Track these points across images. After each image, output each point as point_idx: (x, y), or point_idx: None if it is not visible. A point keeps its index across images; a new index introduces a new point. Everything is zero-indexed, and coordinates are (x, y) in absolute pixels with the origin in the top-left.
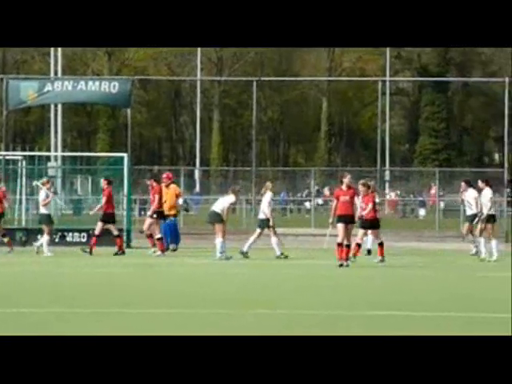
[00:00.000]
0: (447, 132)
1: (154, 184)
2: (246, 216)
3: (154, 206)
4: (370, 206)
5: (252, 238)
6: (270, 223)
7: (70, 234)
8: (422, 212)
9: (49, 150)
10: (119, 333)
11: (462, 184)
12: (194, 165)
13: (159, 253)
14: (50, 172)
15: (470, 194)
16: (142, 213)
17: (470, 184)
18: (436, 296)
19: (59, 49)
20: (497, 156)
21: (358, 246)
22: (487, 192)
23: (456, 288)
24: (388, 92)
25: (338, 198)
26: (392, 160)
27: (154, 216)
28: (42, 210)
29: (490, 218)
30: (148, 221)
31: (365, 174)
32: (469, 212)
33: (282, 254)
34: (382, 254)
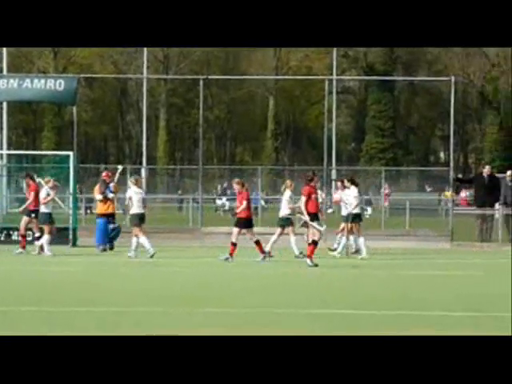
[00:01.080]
0: (393, 131)
1: (31, 182)
2: (193, 215)
3: (29, 204)
4: (245, 203)
5: (274, 237)
6: (291, 222)
7: (16, 232)
8: (368, 211)
9: None
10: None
11: (339, 183)
12: (141, 163)
13: (19, 250)
14: None
15: (350, 193)
16: (88, 211)
17: (354, 182)
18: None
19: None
20: (442, 154)
21: (234, 245)
22: (353, 191)
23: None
24: (335, 91)
25: (310, 196)
26: (339, 159)
27: (32, 215)
28: (43, 209)
29: (356, 217)
30: (24, 220)
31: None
32: (345, 212)
33: (301, 253)
34: (261, 251)
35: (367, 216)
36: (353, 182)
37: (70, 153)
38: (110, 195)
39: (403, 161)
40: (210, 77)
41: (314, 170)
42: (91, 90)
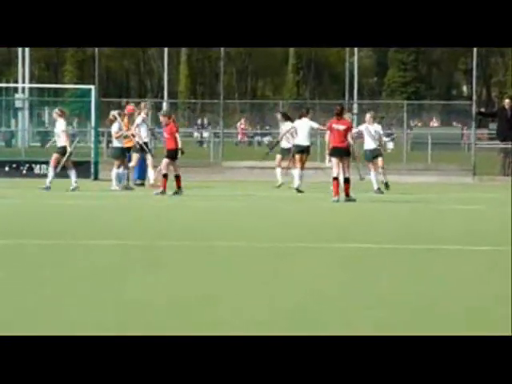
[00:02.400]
0: (416, 64)
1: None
2: (214, 149)
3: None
4: (177, 135)
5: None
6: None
7: (38, 166)
8: (390, 145)
9: (16, 81)
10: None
11: (279, 116)
12: (162, 97)
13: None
14: (17, 103)
15: (285, 127)
16: (110, 145)
17: (288, 117)
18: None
19: None
20: (465, 88)
21: (165, 176)
22: (287, 125)
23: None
24: None
25: (331, 129)
26: (360, 93)
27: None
28: (115, 143)
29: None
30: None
31: (333, 107)
32: (286, 145)
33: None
34: (178, 185)
35: (389, 151)
36: (286, 118)
37: (92, 86)
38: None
39: (426, 95)
40: None
41: (334, 103)
42: None
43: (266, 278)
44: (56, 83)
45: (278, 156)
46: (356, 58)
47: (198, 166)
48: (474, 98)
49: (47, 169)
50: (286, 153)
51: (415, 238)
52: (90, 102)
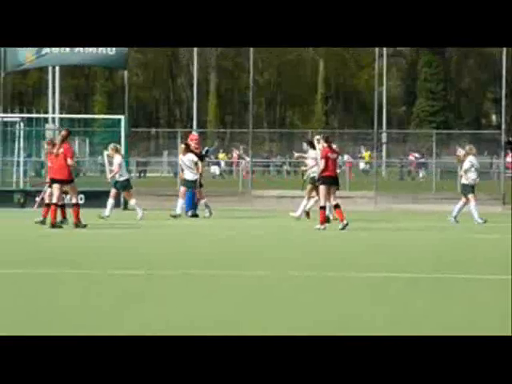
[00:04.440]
0: (444, 94)
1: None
2: (243, 178)
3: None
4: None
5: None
6: None
7: (68, 195)
8: (420, 174)
9: (46, 112)
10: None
11: (305, 144)
12: (191, 127)
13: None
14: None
15: (309, 155)
16: (143, 175)
17: (313, 145)
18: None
19: None
20: (494, 117)
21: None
22: (311, 153)
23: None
24: (385, 54)
25: (327, 159)
26: (389, 122)
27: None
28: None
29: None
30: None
31: (361, 137)
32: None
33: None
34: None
35: (419, 180)
36: (312, 145)
37: (122, 116)
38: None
39: (454, 124)
40: None
41: (363, 133)
42: (142, 53)
43: (292, 306)
44: (86, 113)
45: (309, 186)
46: (385, 87)
47: (227, 195)
48: (503, 127)
49: (80, 198)
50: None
51: (445, 266)
52: (119, 131)
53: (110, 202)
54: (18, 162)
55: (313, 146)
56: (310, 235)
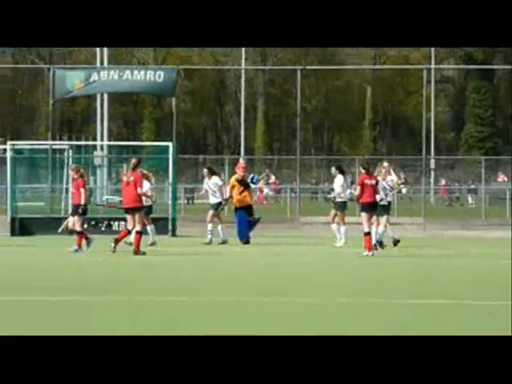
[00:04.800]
0: (493, 119)
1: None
2: (291, 205)
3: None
4: (82, 191)
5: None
6: None
7: (117, 222)
8: (469, 200)
9: (95, 139)
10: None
11: (333, 170)
12: (239, 153)
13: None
14: (96, 161)
15: (337, 181)
16: (190, 201)
17: (342, 170)
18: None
19: None
20: None
21: (80, 233)
22: (339, 179)
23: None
24: (433, 80)
25: (363, 185)
26: (437, 148)
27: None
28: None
29: (342, 205)
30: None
31: (410, 163)
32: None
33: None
34: (78, 243)
35: (470, 205)
36: (340, 171)
37: (170, 143)
38: (253, 186)
39: (503, 150)
40: (307, 67)
41: (411, 159)
42: (190, 81)
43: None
44: (134, 140)
45: (333, 211)
46: (433, 113)
47: (275, 222)
48: None
49: (126, 225)
50: (343, 207)
51: (496, 293)
52: (167, 158)
53: (151, 228)
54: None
55: (342, 172)
56: (357, 261)
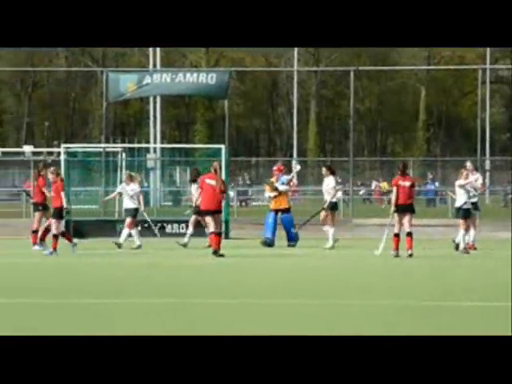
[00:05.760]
0: None
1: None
2: (345, 207)
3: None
4: (62, 194)
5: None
6: None
7: (170, 225)
8: None
9: (148, 141)
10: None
11: (324, 170)
12: (292, 155)
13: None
14: (149, 164)
15: (329, 182)
16: (243, 204)
17: (332, 171)
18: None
19: None
20: None
21: (56, 237)
22: (331, 180)
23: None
24: (488, 80)
25: (398, 186)
26: (492, 149)
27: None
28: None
29: (334, 206)
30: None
31: (464, 164)
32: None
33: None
34: (64, 241)
35: None
36: (331, 171)
37: (222, 146)
38: (281, 188)
39: None
40: (360, 68)
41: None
42: (242, 83)
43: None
44: (186, 143)
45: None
46: (488, 113)
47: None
48: None
49: (181, 228)
50: (334, 208)
51: None
52: (220, 161)
53: (190, 230)
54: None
55: (332, 173)
56: (413, 263)
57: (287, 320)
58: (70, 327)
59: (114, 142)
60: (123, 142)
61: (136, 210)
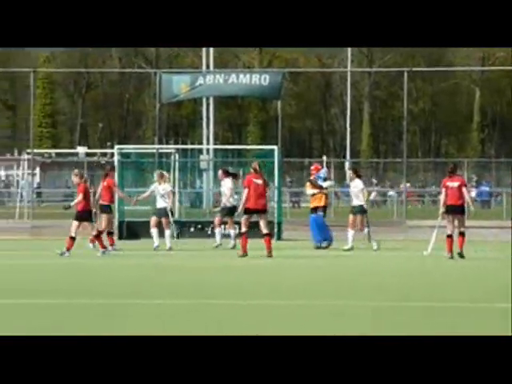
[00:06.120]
0: None
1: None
2: (397, 208)
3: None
4: (81, 196)
5: None
6: None
7: (223, 226)
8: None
9: (201, 142)
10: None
11: (350, 173)
12: (344, 157)
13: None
14: (202, 165)
15: (356, 185)
16: (296, 205)
17: (358, 174)
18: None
19: None
20: None
21: (72, 239)
22: (358, 183)
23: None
24: None
25: (446, 188)
26: None
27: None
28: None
29: (363, 209)
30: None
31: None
32: (355, 203)
33: None
34: (101, 245)
35: None
36: (357, 174)
37: (275, 147)
38: (325, 184)
39: None
40: (414, 69)
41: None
42: (296, 84)
43: None
44: (239, 144)
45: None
46: None
47: (381, 225)
48: None
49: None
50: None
51: None
52: (272, 162)
53: (218, 230)
54: (174, 193)
55: (358, 176)
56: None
57: (334, 320)
58: (112, 328)
59: (167, 143)
60: (176, 143)
61: (167, 210)
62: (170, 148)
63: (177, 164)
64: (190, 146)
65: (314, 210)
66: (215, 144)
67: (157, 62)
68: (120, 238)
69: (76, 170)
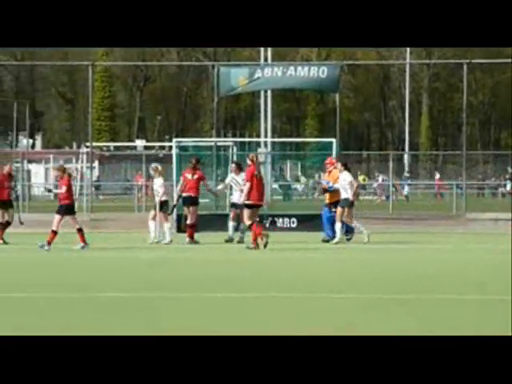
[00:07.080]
0: None
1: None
2: (457, 201)
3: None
4: (64, 189)
5: None
6: None
7: (281, 219)
8: None
9: (259, 135)
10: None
11: (339, 166)
12: (403, 149)
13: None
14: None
15: (345, 178)
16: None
17: (347, 167)
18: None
19: None
20: None
21: (54, 233)
22: (346, 175)
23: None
24: None
25: None
26: None
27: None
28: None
29: (351, 203)
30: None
31: None
32: (343, 196)
33: None
34: (81, 239)
35: None
36: (345, 167)
37: (333, 140)
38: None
39: None
40: (473, 61)
41: None
42: (354, 76)
43: None
44: (297, 137)
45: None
46: None
47: (441, 218)
48: None
49: (292, 222)
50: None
51: None
52: (331, 154)
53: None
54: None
55: (347, 169)
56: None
57: (368, 313)
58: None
59: (225, 136)
60: (234, 136)
61: (166, 203)
62: (228, 141)
63: (234, 157)
64: (247, 139)
65: (333, 204)
66: (273, 137)
67: (215, 55)
68: (178, 230)
69: (57, 165)
